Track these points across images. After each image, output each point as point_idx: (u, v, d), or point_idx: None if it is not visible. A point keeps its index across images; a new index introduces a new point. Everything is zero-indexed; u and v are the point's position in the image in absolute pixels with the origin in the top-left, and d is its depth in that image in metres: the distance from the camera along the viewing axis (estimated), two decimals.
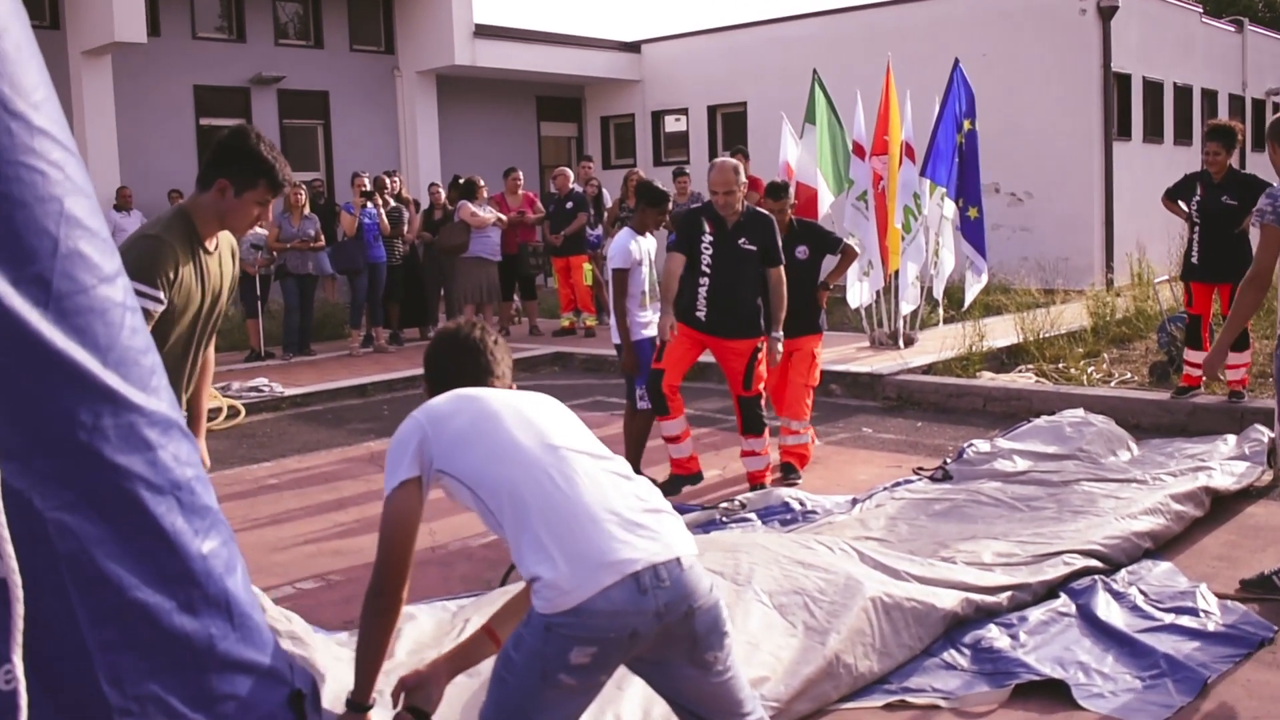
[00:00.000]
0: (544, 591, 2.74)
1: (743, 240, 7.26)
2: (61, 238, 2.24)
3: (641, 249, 7.66)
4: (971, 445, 7.65)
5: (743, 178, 7.26)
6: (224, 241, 4.30)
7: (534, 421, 2.97)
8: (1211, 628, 4.87)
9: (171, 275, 3.92)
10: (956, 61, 13.14)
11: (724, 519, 6.59)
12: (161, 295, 3.88)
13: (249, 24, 19.56)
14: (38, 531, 2.17)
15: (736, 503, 6.82)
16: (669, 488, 7.41)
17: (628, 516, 2.82)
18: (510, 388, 3.32)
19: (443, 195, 15.73)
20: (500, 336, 3.37)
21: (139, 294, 3.46)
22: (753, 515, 6.64)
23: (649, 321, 7.70)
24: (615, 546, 2.74)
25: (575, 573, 2.71)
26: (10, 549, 2.08)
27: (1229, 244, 8.97)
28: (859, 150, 12.99)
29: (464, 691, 4.31)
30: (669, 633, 2.80)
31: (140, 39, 16.70)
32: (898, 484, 7.28)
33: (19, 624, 2.10)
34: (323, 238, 14.51)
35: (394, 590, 2.94)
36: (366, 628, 2.96)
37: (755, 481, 7.57)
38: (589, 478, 2.86)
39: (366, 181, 14.97)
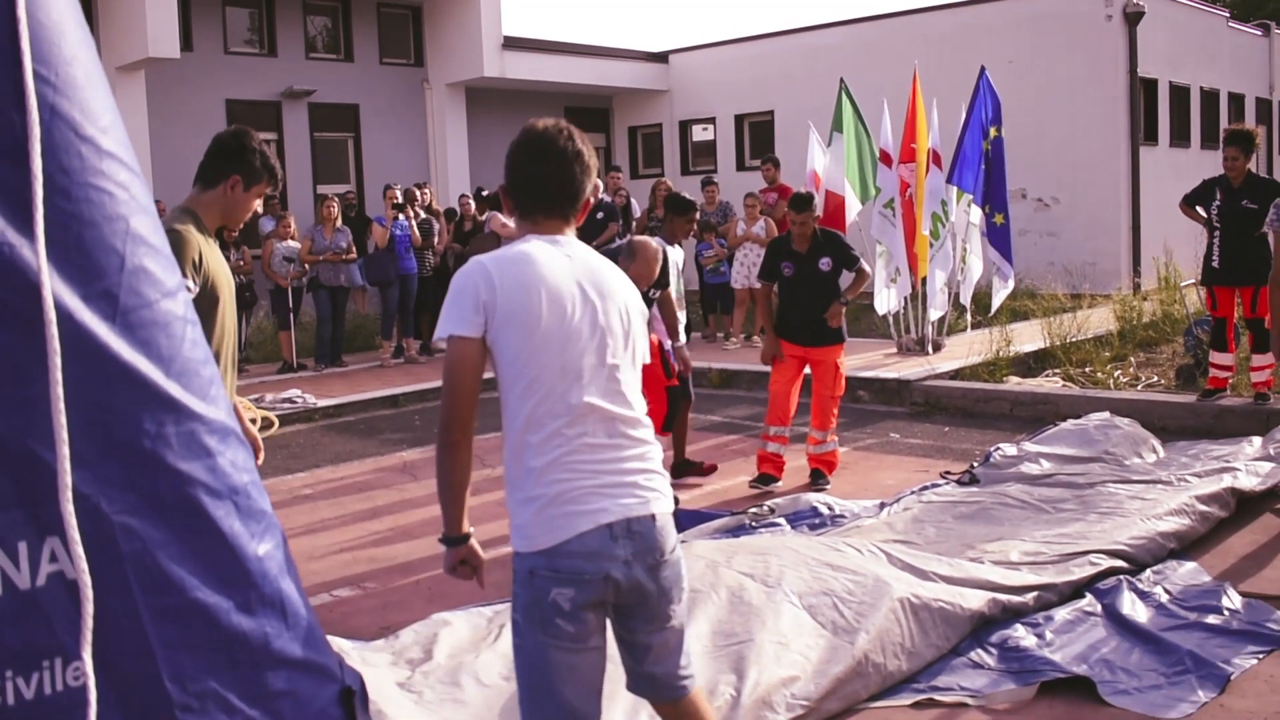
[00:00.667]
0: (523, 529, 2.95)
1: (652, 291, 7.35)
2: (128, 255, 2.36)
3: (671, 259, 7.76)
4: (998, 449, 7.72)
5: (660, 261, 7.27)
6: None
7: (584, 358, 3.01)
8: (1235, 625, 4.95)
9: (198, 261, 4.10)
10: (982, 69, 13.19)
11: (753, 524, 6.68)
12: (191, 283, 4.03)
13: (280, 38, 19.73)
14: (105, 534, 2.28)
15: (766, 508, 6.91)
16: None
17: (623, 476, 2.99)
18: (581, 219, 3.31)
19: (473, 207, 15.84)
20: (589, 147, 3.23)
21: None
22: (782, 520, 6.73)
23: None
24: (600, 499, 2.94)
25: (557, 514, 2.91)
26: (80, 551, 2.19)
27: (1250, 247, 8.98)
28: (886, 158, 13.06)
29: (501, 695, 4.42)
30: (639, 584, 2.98)
31: (173, 54, 16.86)
32: (925, 488, 7.34)
33: (88, 623, 2.21)
34: (354, 250, 14.67)
35: (460, 427, 3.00)
36: (441, 465, 3.04)
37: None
38: (605, 435, 3.01)
39: (398, 194, 15.11)
